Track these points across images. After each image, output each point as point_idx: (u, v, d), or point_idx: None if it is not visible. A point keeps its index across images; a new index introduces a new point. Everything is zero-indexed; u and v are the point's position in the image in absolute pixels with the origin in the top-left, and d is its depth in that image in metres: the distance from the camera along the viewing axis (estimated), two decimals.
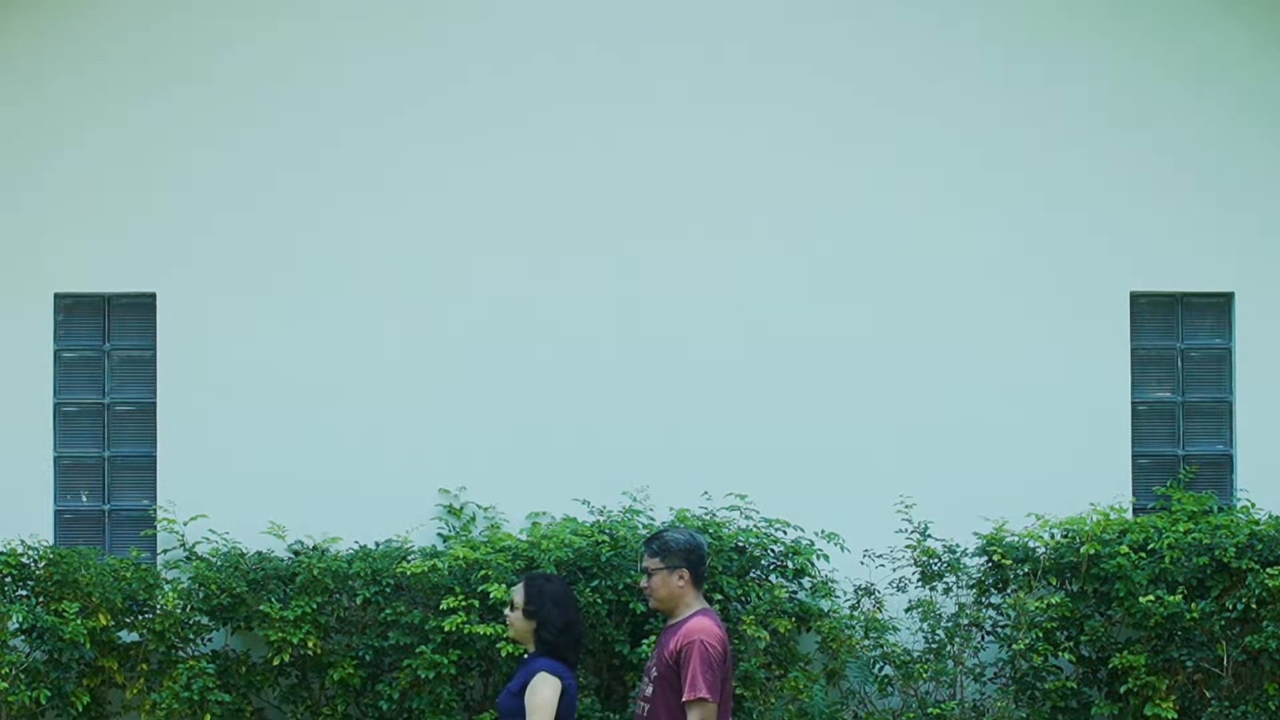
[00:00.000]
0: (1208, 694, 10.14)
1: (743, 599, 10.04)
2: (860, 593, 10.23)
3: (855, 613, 10.18)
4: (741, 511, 10.25)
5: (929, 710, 9.99)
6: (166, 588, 10.06)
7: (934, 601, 10.13)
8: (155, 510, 10.39)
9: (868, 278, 10.67)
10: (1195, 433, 10.87)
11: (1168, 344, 10.87)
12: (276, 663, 9.93)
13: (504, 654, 9.76)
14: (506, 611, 7.95)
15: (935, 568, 10.19)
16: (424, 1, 10.63)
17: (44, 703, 9.79)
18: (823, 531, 10.28)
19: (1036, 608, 9.99)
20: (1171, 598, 9.93)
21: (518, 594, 7.89)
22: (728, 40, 10.67)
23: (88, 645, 9.80)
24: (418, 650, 9.84)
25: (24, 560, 9.97)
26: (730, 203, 10.65)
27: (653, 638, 9.75)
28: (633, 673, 10.00)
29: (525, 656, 7.86)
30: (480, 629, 9.74)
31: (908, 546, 10.20)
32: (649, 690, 7.74)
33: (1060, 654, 10.12)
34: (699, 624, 7.66)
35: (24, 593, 9.99)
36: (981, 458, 10.62)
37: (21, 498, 10.47)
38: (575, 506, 10.43)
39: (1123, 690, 10.06)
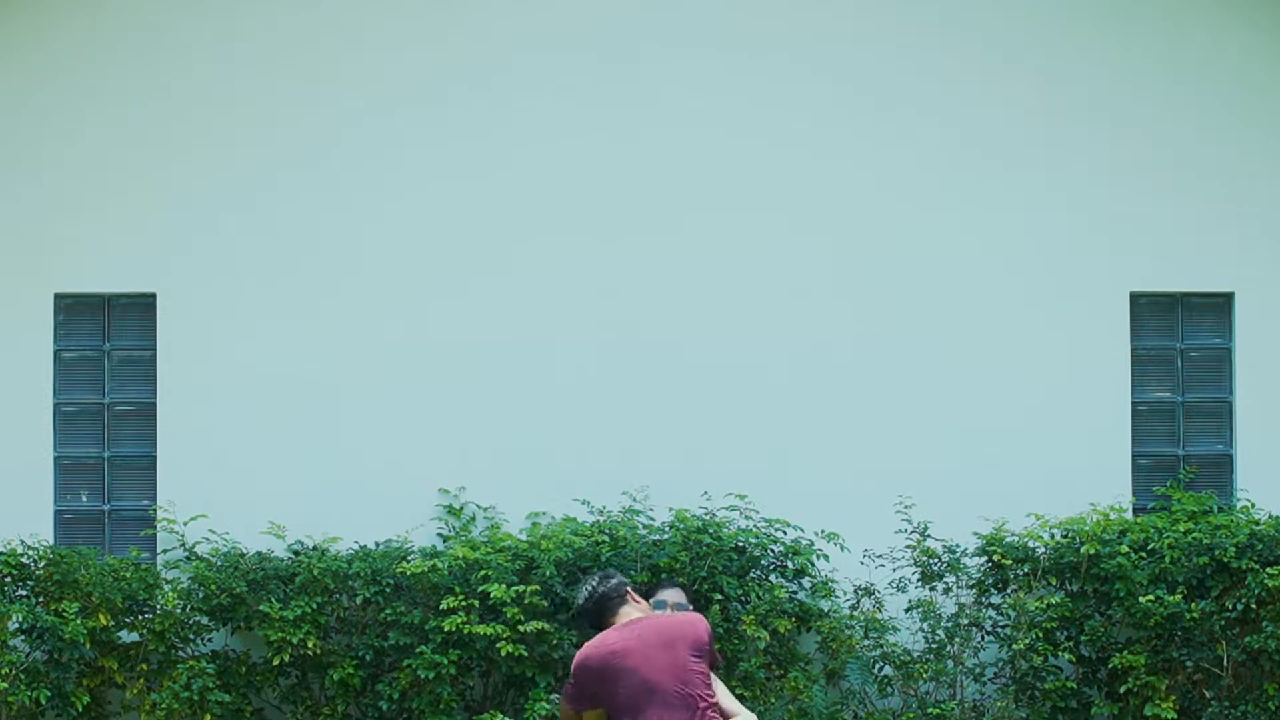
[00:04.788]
0: (1208, 694, 10.13)
1: (743, 599, 10.03)
2: (860, 593, 10.23)
3: (855, 613, 10.17)
4: (741, 511, 10.24)
5: (929, 710, 10.00)
6: (166, 588, 10.06)
7: (934, 601, 10.13)
8: (155, 510, 10.38)
9: (867, 277, 10.67)
10: (1195, 433, 10.87)
11: (1168, 344, 10.87)
12: (276, 663, 9.93)
13: (504, 654, 9.76)
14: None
15: (935, 568, 10.19)
16: (424, 1, 10.63)
17: (44, 703, 9.78)
18: (823, 531, 10.28)
19: (1036, 608, 9.99)
20: (1171, 598, 9.93)
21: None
22: (727, 40, 10.67)
23: (88, 645, 9.79)
24: (418, 650, 9.84)
25: (24, 560, 9.97)
26: (730, 203, 10.64)
27: None
28: None
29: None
30: (480, 629, 9.73)
31: (908, 546, 10.20)
32: None
33: (1060, 654, 10.12)
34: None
35: (24, 593, 9.99)
36: (981, 458, 10.61)
37: (21, 498, 10.47)
38: (575, 506, 10.42)
39: (1123, 690, 10.06)
